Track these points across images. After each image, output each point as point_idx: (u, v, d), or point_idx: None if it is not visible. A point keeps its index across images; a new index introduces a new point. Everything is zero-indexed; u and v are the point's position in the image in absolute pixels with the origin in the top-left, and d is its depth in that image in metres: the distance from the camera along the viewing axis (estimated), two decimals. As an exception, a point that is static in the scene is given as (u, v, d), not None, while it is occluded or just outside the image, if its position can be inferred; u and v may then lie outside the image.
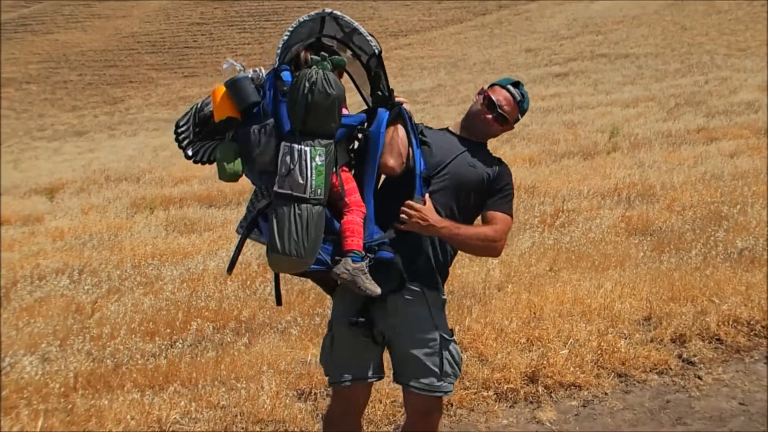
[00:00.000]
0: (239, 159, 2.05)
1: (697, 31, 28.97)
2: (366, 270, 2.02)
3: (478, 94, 2.36)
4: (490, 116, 2.27)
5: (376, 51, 2.12)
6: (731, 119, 12.12)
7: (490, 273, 4.66)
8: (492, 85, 2.35)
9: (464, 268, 4.77)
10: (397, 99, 2.20)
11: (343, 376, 2.21)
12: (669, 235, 5.44)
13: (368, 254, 2.05)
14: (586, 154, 10.10)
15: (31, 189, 12.19)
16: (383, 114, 2.15)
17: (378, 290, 2.02)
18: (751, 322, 3.83)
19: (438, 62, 34.35)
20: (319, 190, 1.93)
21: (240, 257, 2.21)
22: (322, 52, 2.08)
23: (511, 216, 2.27)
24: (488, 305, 4.07)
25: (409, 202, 2.10)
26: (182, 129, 2.14)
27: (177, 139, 2.15)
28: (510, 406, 3.19)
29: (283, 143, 1.95)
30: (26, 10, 55.65)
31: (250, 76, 2.05)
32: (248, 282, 4.89)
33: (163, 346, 3.94)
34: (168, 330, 4.14)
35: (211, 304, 4.50)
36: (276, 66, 2.08)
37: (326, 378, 2.31)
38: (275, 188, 1.95)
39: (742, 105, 13.50)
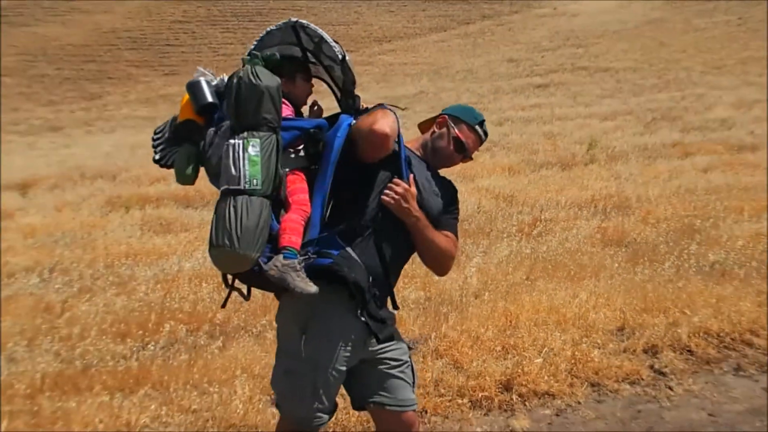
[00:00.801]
0: (193, 165, 2.07)
1: (675, 47, 29.57)
2: (299, 268, 1.92)
3: (441, 125, 2.30)
4: (458, 158, 2.28)
5: (339, 57, 2.11)
6: (706, 135, 12.38)
7: (468, 280, 4.67)
8: (458, 120, 2.28)
9: (442, 275, 4.78)
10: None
11: (324, 415, 2.09)
12: (643, 247, 5.51)
13: (308, 253, 1.98)
14: (564, 165, 10.22)
15: (3, 184, 11.93)
16: (344, 119, 2.11)
17: (312, 289, 1.90)
18: (721, 335, 3.90)
19: (421, 69, 34.51)
20: (255, 180, 1.90)
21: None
22: (254, 51, 2.11)
23: (457, 237, 2.30)
24: (465, 313, 4.08)
25: (396, 180, 2.07)
26: (158, 135, 2.19)
27: (153, 145, 2.19)
28: (484, 414, 3.19)
29: (225, 143, 1.96)
30: (5, 2, 54.63)
31: (214, 82, 2.09)
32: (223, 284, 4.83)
33: (134, 348, 3.88)
34: (140, 331, 4.07)
35: (185, 306, 4.44)
36: None
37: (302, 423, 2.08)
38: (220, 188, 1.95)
39: (716, 122, 13.79)
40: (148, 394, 3.27)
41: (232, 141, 1.93)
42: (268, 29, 2.16)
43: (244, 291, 2.16)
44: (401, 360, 2.17)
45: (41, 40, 47.95)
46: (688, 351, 3.76)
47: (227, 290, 2.16)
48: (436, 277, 4.73)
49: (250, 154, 1.91)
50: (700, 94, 18.71)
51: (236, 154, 1.91)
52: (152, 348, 3.80)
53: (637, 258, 5.17)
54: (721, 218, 6.15)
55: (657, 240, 5.64)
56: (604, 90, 21.62)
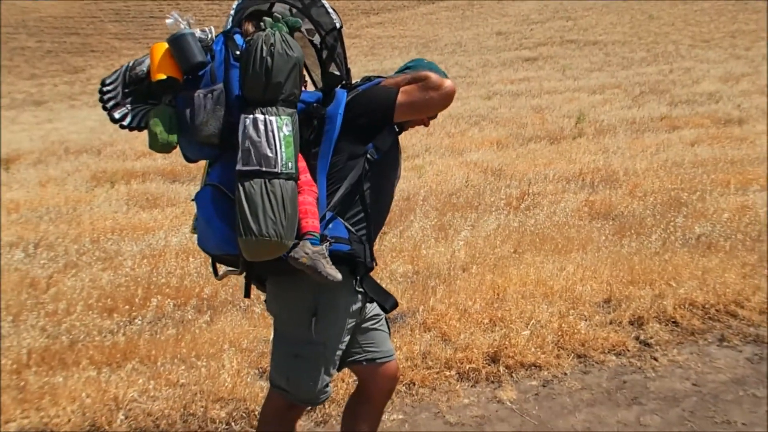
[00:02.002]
0: (176, 129, 1.85)
1: (663, 21, 29.48)
2: (326, 254, 1.83)
3: None
4: (428, 122, 2.20)
5: (337, 25, 1.95)
6: (693, 109, 12.40)
7: (455, 254, 4.68)
8: None
9: (430, 249, 4.78)
10: None
11: (329, 387, 2.11)
12: (630, 219, 5.54)
13: (326, 238, 1.88)
14: (552, 139, 10.21)
15: (-15, 159, 11.73)
16: (342, 94, 1.99)
17: (339, 276, 1.83)
18: (706, 306, 3.94)
19: (409, 42, 34.12)
20: (290, 164, 1.75)
21: None
22: (276, 14, 1.90)
23: None
24: (453, 286, 4.09)
25: None
26: (109, 88, 1.87)
27: (101, 99, 1.87)
28: (471, 386, 3.22)
29: (242, 116, 1.77)
30: (-19, -29, 53.08)
31: (197, 35, 1.86)
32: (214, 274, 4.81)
33: (121, 323, 3.85)
34: (127, 306, 4.05)
35: (172, 280, 4.41)
36: (228, 28, 1.91)
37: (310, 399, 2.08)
38: (238, 167, 1.74)
39: (704, 95, 13.81)
40: (135, 368, 3.26)
41: (259, 116, 1.75)
42: None
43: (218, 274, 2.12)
44: (381, 314, 2.20)
45: (20, 11, 46.79)
46: (674, 322, 3.81)
47: (222, 275, 2.09)
48: (424, 251, 4.74)
49: (284, 133, 1.74)
50: (688, 67, 18.71)
51: (270, 133, 1.73)
52: (139, 323, 3.78)
53: (624, 231, 5.20)
54: (707, 191, 6.19)
55: (644, 213, 5.67)
56: (593, 63, 21.55)
